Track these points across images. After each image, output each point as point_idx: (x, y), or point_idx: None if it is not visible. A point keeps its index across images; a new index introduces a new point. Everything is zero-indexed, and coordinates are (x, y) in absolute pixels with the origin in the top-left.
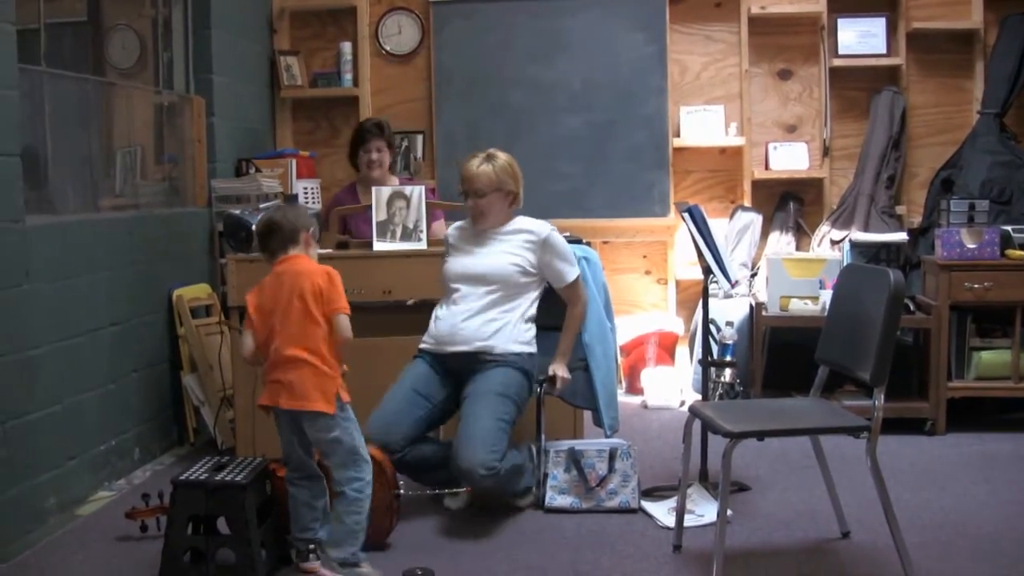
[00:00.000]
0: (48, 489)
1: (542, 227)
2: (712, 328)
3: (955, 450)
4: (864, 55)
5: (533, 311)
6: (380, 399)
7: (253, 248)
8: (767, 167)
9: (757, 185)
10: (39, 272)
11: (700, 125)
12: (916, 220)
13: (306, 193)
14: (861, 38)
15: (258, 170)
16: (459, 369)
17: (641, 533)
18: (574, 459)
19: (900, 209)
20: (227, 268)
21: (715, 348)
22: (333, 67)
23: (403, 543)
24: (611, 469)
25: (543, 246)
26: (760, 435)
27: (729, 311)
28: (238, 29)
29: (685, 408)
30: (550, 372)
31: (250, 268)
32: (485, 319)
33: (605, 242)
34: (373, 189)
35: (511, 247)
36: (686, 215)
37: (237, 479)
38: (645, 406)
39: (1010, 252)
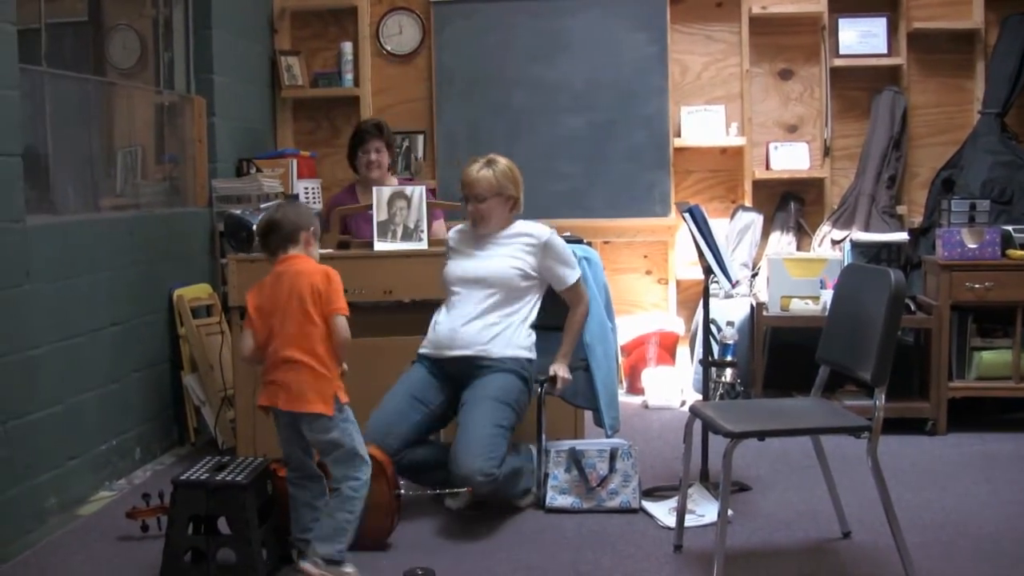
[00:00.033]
0: (49, 489)
1: (542, 231)
2: (713, 328)
3: (956, 450)
4: (865, 55)
5: (533, 316)
6: (380, 399)
7: (254, 248)
8: (768, 167)
9: (758, 185)
10: (40, 272)
11: (701, 125)
12: (917, 220)
13: (307, 193)
14: (862, 38)
15: (259, 170)
16: (458, 374)
17: (642, 533)
18: (575, 459)
19: (901, 209)
20: (228, 268)
21: (716, 348)
22: (334, 67)
23: (404, 543)
24: (612, 469)
25: (544, 249)
26: (761, 435)
27: (730, 311)
28: (239, 29)
29: (686, 408)
30: (551, 372)
31: (251, 268)
32: (484, 324)
33: (606, 242)
34: (374, 189)
35: (512, 251)
36: (687, 215)
37: (238, 479)
38: (646, 406)
39: (1011, 252)
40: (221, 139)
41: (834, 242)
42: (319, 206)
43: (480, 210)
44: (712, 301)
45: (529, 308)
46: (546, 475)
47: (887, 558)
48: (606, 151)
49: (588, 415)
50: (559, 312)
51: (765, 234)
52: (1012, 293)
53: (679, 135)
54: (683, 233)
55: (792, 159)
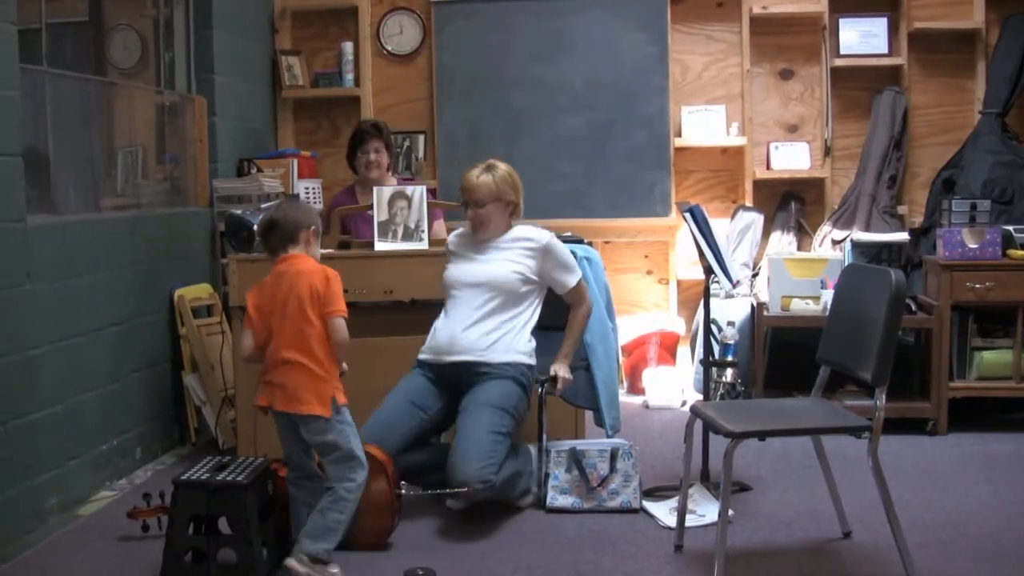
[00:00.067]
0: (49, 489)
1: (542, 235)
2: (713, 328)
3: (957, 450)
4: (865, 55)
5: (534, 321)
6: (380, 399)
7: (254, 248)
8: (768, 167)
9: (758, 185)
10: (40, 272)
11: (701, 125)
12: (917, 220)
13: (307, 193)
14: (862, 38)
15: (259, 170)
16: (457, 380)
17: (642, 533)
18: (575, 459)
19: (901, 209)
20: (228, 268)
21: (716, 348)
22: (334, 67)
23: (404, 543)
24: (612, 469)
25: (544, 253)
26: (761, 435)
27: (730, 311)
28: (239, 29)
29: (686, 408)
30: (552, 372)
31: (251, 268)
32: (484, 330)
33: (606, 242)
34: (375, 189)
35: (512, 255)
36: (687, 215)
37: (238, 479)
38: (646, 406)
39: (1012, 252)
40: (222, 139)
41: (835, 242)
42: (320, 206)
43: (480, 215)
44: (713, 301)
45: (529, 313)
46: (547, 475)
47: (888, 558)
48: (607, 151)
49: (589, 415)
50: (560, 312)
51: (766, 234)
52: (1013, 293)
53: (680, 135)
54: (684, 233)
55: (793, 159)
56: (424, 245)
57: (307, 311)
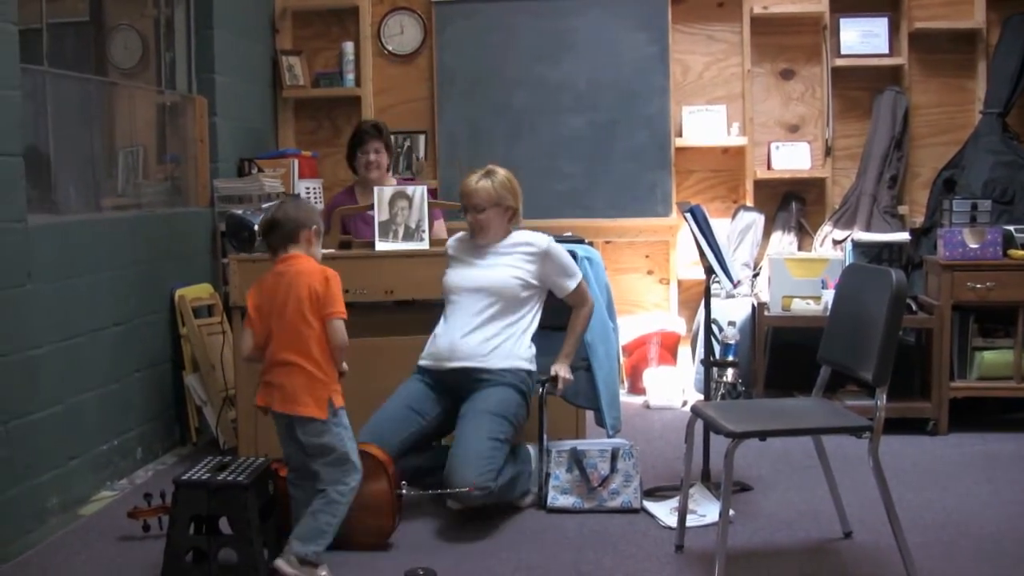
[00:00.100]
0: (50, 489)
1: (541, 239)
2: (714, 328)
3: (957, 450)
4: (866, 55)
5: (534, 327)
6: (380, 399)
7: (255, 248)
8: (769, 167)
9: (759, 185)
10: (41, 272)
11: (702, 125)
12: (918, 220)
13: (308, 193)
14: (863, 38)
15: (260, 170)
16: (457, 386)
17: (643, 533)
18: (576, 459)
19: (902, 209)
20: (229, 268)
21: (717, 348)
22: (335, 67)
23: (405, 543)
24: (613, 469)
25: (544, 258)
26: (762, 435)
27: (731, 311)
28: (240, 29)
29: (687, 408)
30: (552, 372)
31: (252, 268)
32: (484, 336)
33: (607, 242)
34: (375, 189)
35: (512, 260)
36: (688, 215)
37: (239, 479)
38: (647, 406)
39: (1012, 252)
40: (222, 139)
41: (835, 242)
42: (320, 206)
43: (479, 220)
44: (713, 301)
45: (530, 319)
46: (547, 475)
47: (888, 558)
48: (608, 151)
49: (590, 415)
50: (561, 312)
51: (766, 234)
52: (1013, 293)
53: (680, 135)
54: (684, 233)
55: (793, 159)
56: (425, 245)
57: (306, 313)
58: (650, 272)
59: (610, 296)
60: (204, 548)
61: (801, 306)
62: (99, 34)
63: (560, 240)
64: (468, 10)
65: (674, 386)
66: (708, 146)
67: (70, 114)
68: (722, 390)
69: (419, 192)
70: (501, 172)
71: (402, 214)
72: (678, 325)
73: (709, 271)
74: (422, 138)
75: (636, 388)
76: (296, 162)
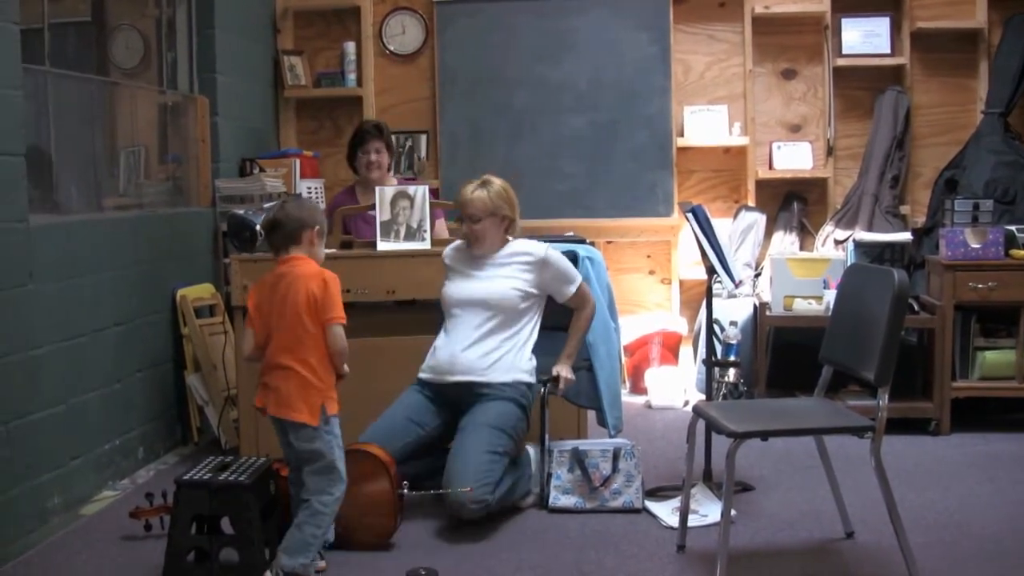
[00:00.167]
0: (52, 489)
1: (538, 248)
2: (716, 328)
3: (959, 450)
4: (868, 55)
5: (534, 338)
6: (381, 399)
7: (257, 248)
8: (771, 167)
9: (761, 185)
10: (43, 272)
11: (704, 125)
12: (920, 220)
13: (310, 193)
14: (865, 38)
15: (262, 170)
16: (457, 399)
17: (645, 533)
18: (578, 459)
19: (904, 209)
20: (231, 268)
21: (719, 348)
22: (337, 67)
23: (407, 543)
24: (615, 469)
25: (542, 266)
26: (764, 435)
27: (733, 311)
28: (242, 29)
29: (689, 408)
30: (554, 372)
31: (254, 268)
32: (484, 350)
33: (609, 242)
34: (377, 189)
35: (510, 271)
36: (690, 215)
37: (240, 479)
38: (649, 406)
39: (1014, 252)
40: (224, 139)
41: (837, 242)
42: (322, 206)
43: (475, 230)
44: (715, 301)
45: (529, 330)
46: (549, 475)
47: (890, 558)
48: (609, 151)
49: (591, 415)
50: (563, 312)
51: (768, 234)
52: (1015, 293)
53: (682, 135)
54: (686, 233)
55: (795, 159)
56: (426, 245)
57: (303, 318)
58: (652, 272)
59: (611, 296)
60: (205, 548)
61: (803, 306)
62: (101, 34)
63: (561, 240)
64: (469, 10)
65: (676, 386)
66: (710, 146)
67: (72, 114)
68: (724, 390)
69: (420, 192)
70: (497, 182)
71: (404, 214)
72: (680, 325)
73: (711, 271)
74: (423, 138)
75: (638, 388)
76: (298, 162)
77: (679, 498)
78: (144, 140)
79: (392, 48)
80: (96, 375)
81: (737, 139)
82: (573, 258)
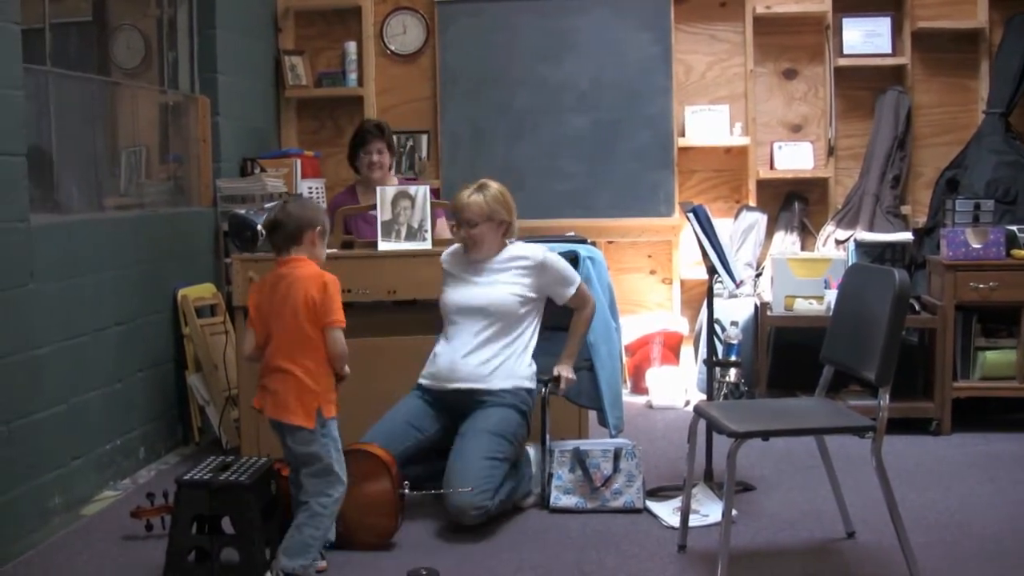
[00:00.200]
0: (53, 488)
1: (536, 251)
2: (717, 328)
3: (960, 450)
4: (869, 55)
5: (534, 342)
6: (381, 399)
7: (258, 248)
8: (772, 167)
9: (762, 185)
10: (44, 272)
11: (705, 125)
12: (921, 220)
13: (311, 192)
14: (866, 38)
15: (263, 170)
16: (457, 405)
17: (646, 533)
18: (579, 459)
19: (905, 209)
20: (232, 268)
21: (720, 348)
22: (338, 67)
23: (408, 543)
24: (616, 469)
25: (540, 270)
26: (765, 435)
27: (734, 311)
28: (243, 29)
29: (690, 408)
30: (555, 373)
31: (255, 268)
32: (484, 357)
33: (610, 242)
34: (378, 189)
35: (509, 277)
36: (691, 215)
37: (241, 479)
38: (650, 406)
39: (1015, 252)
40: (225, 139)
41: (838, 242)
42: (323, 206)
43: (472, 235)
44: (716, 301)
45: (529, 334)
46: (550, 475)
47: (891, 558)
48: (610, 151)
49: (592, 415)
50: (564, 312)
51: (769, 234)
52: (1016, 293)
53: (683, 135)
54: (687, 233)
55: (796, 159)
56: (428, 245)
57: (301, 321)
58: (653, 272)
59: (612, 296)
60: (206, 548)
61: (804, 306)
62: (102, 34)
63: (562, 240)
64: (470, 10)
65: (677, 386)
66: (711, 146)
67: (73, 114)
68: (725, 390)
69: (422, 192)
70: (494, 186)
71: (405, 214)
72: (681, 325)
73: (712, 271)
74: (424, 138)
75: (639, 388)
76: (299, 162)
77: (680, 498)
78: (145, 140)
79: (393, 48)
80: (97, 375)
81: (738, 139)
82: (574, 258)
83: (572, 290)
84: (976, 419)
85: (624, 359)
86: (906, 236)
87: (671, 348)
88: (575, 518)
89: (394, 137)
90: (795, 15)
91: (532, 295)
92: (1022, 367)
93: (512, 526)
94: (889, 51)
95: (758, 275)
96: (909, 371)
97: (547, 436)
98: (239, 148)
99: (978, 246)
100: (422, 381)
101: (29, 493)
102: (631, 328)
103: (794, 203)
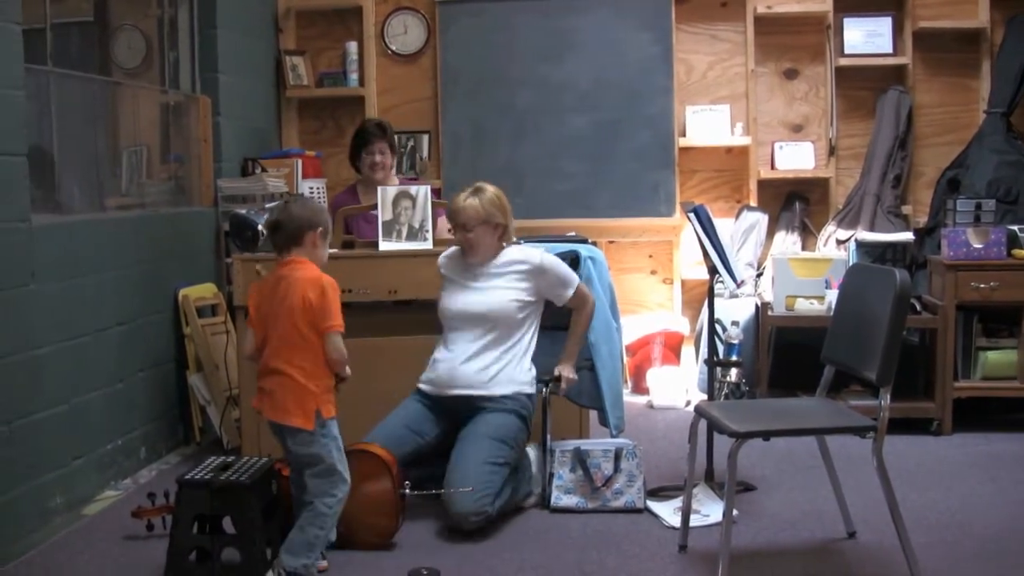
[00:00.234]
0: (54, 488)
1: (533, 254)
2: (718, 328)
3: (961, 450)
4: (870, 54)
5: (533, 345)
6: (382, 399)
7: (259, 248)
8: (773, 167)
9: (763, 185)
10: (45, 272)
11: (706, 125)
12: (922, 220)
13: (312, 192)
14: (867, 37)
15: (264, 170)
16: (457, 410)
17: (647, 533)
18: (580, 459)
19: (906, 209)
20: (233, 268)
21: (721, 348)
22: (339, 67)
23: (409, 542)
24: (617, 469)
25: (538, 273)
26: (766, 435)
27: (735, 311)
28: (244, 28)
29: (691, 408)
30: (556, 373)
31: (255, 268)
32: (484, 363)
33: (611, 242)
34: (379, 189)
35: (507, 281)
36: (692, 215)
37: (242, 479)
38: (651, 406)
39: (1016, 252)
40: (226, 139)
41: (839, 242)
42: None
43: (468, 239)
44: (717, 301)
45: (528, 339)
46: (551, 475)
47: (892, 558)
48: (611, 151)
49: (593, 415)
50: (564, 312)
51: (770, 234)
52: (1017, 293)
53: (684, 135)
54: (688, 233)
55: (797, 159)
56: (428, 245)
57: (298, 323)
58: (653, 272)
59: (613, 296)
60: (207, 548)
61: (805, 306)
62: (103, 34)
63: (563, 240)
64: (471, 10)
65: (678, 386)
66: (712, 146)
67: (74, 114)
68: (726, 390)
69: (423, 192)
70: (490, 189)
71: (406, 214)
72: (682, 325)
73: (713, 271)
74: (425, 138)
75: (640, 388)
76: (300, 162)
77: (681, 498)
78: (146, 140)
79: (394, 48)
80: (98, 375)
81: (739, 139)
82: (575, 258)
83: (571, 291)
84: (977, 419)
85: (625, 359)
86: (907, 236)
87: (672, 348)
88: (576, 518)
89: (395, 137)
90: (796, 15)
91: (531, 299)
92: (1023, 367)
93: (513, 526)
94: (890, 51)
95: (759, 275)
96: (910, 371)
97: (548, 436)
98: (240, 148)
99: (979, 246)
100: (421, 386)
101: (30, 493)
102: (632, 328)
103: (795, 203)
